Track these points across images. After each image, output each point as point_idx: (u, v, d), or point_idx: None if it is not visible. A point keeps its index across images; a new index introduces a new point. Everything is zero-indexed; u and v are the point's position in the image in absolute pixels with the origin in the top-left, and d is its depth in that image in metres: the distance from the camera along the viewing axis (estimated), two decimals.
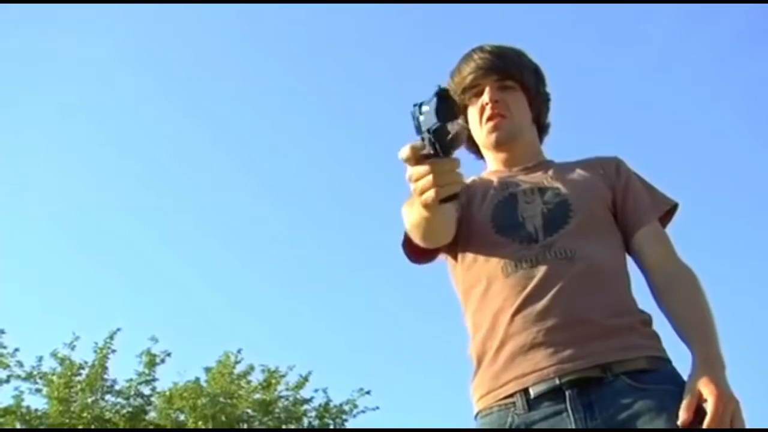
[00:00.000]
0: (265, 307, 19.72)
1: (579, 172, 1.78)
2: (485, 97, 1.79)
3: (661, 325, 1.66)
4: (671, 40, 19.25)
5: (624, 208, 1.75)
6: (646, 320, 1.64)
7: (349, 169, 21.06)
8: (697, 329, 1.58)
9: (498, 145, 1.81)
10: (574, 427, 1.47)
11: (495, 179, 1.80)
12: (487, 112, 1.79)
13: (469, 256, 1.72)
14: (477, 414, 1.63)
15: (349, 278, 20.23)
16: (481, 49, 1.83)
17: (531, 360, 1.54)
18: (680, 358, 1.60)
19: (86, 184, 20.02)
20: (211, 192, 20.41)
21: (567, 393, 1.50)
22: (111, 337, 12.87)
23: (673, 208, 1.79)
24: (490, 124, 1.79)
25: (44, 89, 18.73)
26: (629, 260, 1.74)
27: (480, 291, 1.67)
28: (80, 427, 12.27)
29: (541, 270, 1.60)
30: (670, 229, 1.80)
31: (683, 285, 1.65)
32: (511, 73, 1.80)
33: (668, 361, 1.58)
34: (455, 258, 1.77)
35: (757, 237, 19.62)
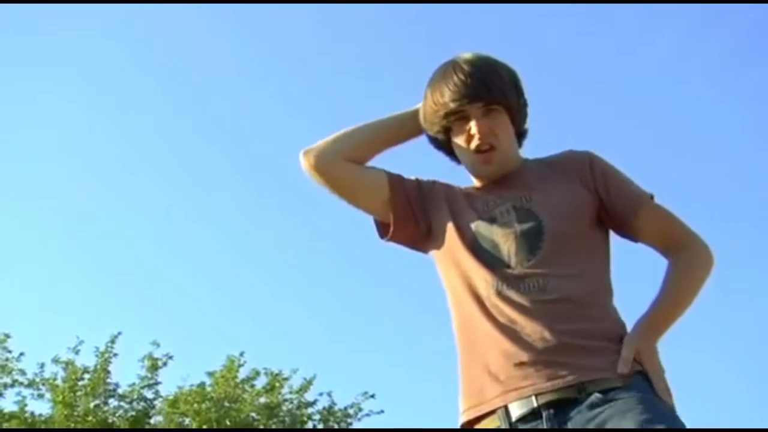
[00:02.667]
0: (268, 311, 19.73)
1: (554, 182, 1.80)
2: (473, 128, 1.77)
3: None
4: (677, 44, 19.23)
5: (612, 201, 1.78)
6: (618, 339, 1.68)
7: None
8: (667, 306, 1.75)
9: (489, 178, 1.83)
10: None
11: (479, 197, 1.83)
12: (476, 142, 1.78)
13: (446, 265, 1.80)
14: (462, 425, 1.71)
15: (353, 281, 20.24)
16: (461, 68, 1.79)
17: (511, 380, 1.62)
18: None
19: (89, 188, 20.04)
20: (214, 195, 20.44)
21: (544, 414, 1.58)
22: (112, 341, 12.90)
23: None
24: (482, 157, 1.80)
25: (50, 91, 18.74)
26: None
27: (459, 310, 1.77)
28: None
29: (516, 301, 1.66)
30: None
31: (693, 270, 1.79)
32: (495, 97, 1.78)
33: (641, 373, 1.63)
34: (435, 259, 1.86)
35: (762, 242, 19.61)
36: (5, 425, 12.32)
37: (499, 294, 1.67)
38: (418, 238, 1.87)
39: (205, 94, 20.99)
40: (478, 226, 1.76)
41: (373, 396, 13.32)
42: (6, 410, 12.41)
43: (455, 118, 1.80)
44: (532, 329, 1.63)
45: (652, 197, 1.81)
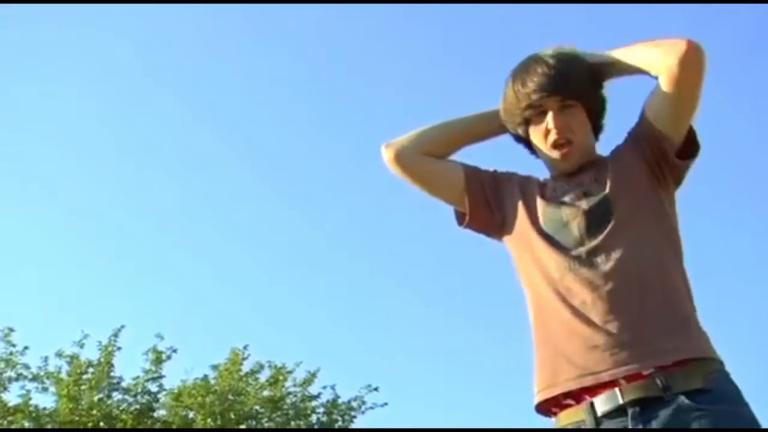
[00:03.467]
0: (272, 303, 19.75)
1: (617, 166, 1.82)
2: (550, 122, 1.82)
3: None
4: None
5: (650, 143, 1.80)
6: (694, 317, 1.70)
7: (362, 166, 21.05)
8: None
9: (566, 171, 1.87)
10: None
11: (551, 186, 1.88)
12: (553, 137, 1.83)
13: (520, 253, 1.85)
14: (536, 406, 1.75)
15: (356, 274, 20.24)
16: (543, 62, 1.84)
17: (588, 364, 1.64)
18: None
19: (93, 182, 20.05)
20: (219, 188, 20.41)
21: (629, 411, 1.59)
22: (116, 335, 12.92)
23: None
24: (558, 152, 1.84)
25: (61, 86, 18.76)
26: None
27: (533, 294, 1.80)
28: (90, 424, 12.30)
29: (588, 280, 1.69)
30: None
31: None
32: (573, 92, 1.82)
33: (723, 372, 1.65)
34: (509, 247, 1.91)
35: (763, 240, 19.61)
36: (9, 419, 12.35)
37: (571, 274, 1.71)
38: (493, 226, 1.93)
39: (213, 88, 20.98)
40: (547, 210, 1.81)
41: (376, 389, 13.35)
42: (10, 404, 12.43)
43: (534, 112, 1.84)
44: (604, 310, 1.66)
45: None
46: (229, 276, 19.77)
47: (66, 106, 19.45)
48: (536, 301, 1.79)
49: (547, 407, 1.73)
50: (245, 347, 13.46)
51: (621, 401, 1.60)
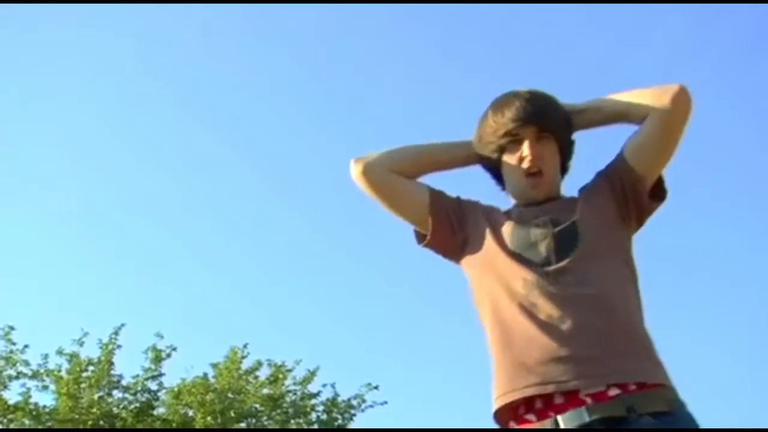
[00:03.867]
0: (272, 302, 19.76)
1: (587, 200, 1.89)
2: (525, 150, 1.88)
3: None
4: (678, 42, 19.17)
5: (621, 178, 1.87)
6: (654, 345, 1.75)
7: None
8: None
9: (533, 200, 1.91)
10: None
11: (517, 212, 1.93)
12: (527, 164, 1.89)
13: (480, 273, 1.88)
14: (494, 413, 1.75)
15: (356, 272, 20.25)
16: (522, 95, 1.91)
17: (550, 373, 1.66)
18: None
19: (93, 180, 20.06)
20: (218, 187, 20.42)
21: (596, 428, 1.61)
22: (116, 333, 12.94)
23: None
24: (531, 180, 1.90)
25: (62, 86, 18.77)
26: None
27: (492, 309, 1.81)
28: (89, 422, 12.31)
29: (555, 295, 1.72)
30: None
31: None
32: (548, 124, 1.89)
33: (683, 404, 1.69)
34: (468, 269, 1.94)
35: (764, 239, 19.61)
36: (10, 417, 12.36)
37: (538, 290, 1.74)
38: (453, 248, 1.96)
39: (213, 88, 20.98)
40: (516, 230, 1.85)
41: (376, 387, 13.35)
42: (11, 402, 12.44)
43: (510, 140, 1.90)
44: (571, 323, 1.68)
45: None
46: (228, 275, 19.80)
47: (66, 105, 19.48)
48: (495, 316, 1.79)
49: (505, 417, 1.72)
50: (245, 346, 13.50)
51: (587, 419, 1.61)
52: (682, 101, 1.80)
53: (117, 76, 19.84)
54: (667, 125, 1.81)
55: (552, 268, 1.75)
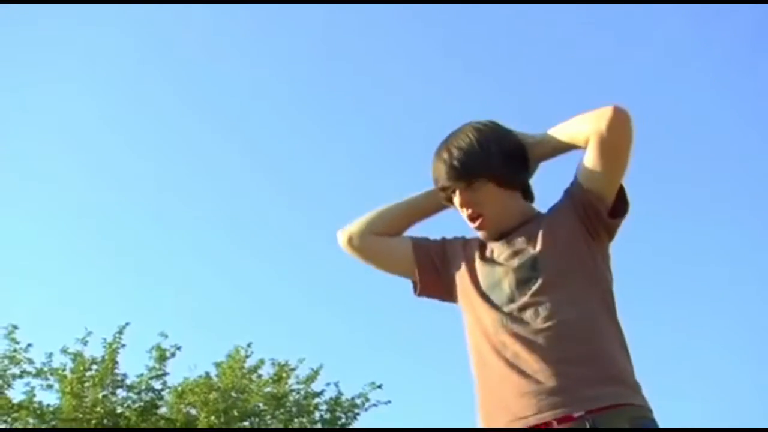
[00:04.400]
0: (275, 301, 19.77)
1: (551, 223, 1.94)
2: (457, 203, 2.00)
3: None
4: (679, 40, 19.13)
5: (583, 202, 1.91)
6: (625, 367, 1.81)
7: (365, 165, 21.04)
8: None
9: (489, 239, 2.00)
10: None
11: (490, 247, 2.00)
12: (465, 213, 2.00)
13: (465, 311, 1.99)
14: None
15: (359, 270, 20.21)
16: (441, 155, 2.00)
17: (518, 410, 1.77)
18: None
19: (96, 179, 20.08)
20: (221, 186, 20.43)
21: None
22: (120, 332, 12.95)
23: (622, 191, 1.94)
24: (474, 225, 2.00)
25: (64, 88, 18.78)
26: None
27: (474, 349, 1.93)
28: (93, 421, 12.33)
29: (518, 334, 1.82)
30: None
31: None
32: (472, 175, 1.96)
33: (650, 420, 1.76)
34: (461, 308, 2.03)
35: (764, 240, 19.59)
36: (14, 416, 12.38)
37: (504, 330, 1.85)
38: (444, 290, 2.06)
39: (214, 86, 20.98)
40: (484, 269, 1.96)
41: (380, 386, 13.35)
42: (15, 401, 12.47)
43: (448, 194, 2.03)
44: (534, 360, 1.78)
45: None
46: (232, 274, 19.81)
47: (70, 104, 19.48)
48: (477, 356, 1.92)
49: None
50: (249, 345, 13.51)
51: None
52: (617, 123, 1.84)
53: (118, 73, 19.86)
54: (607, 148, 1.85)
55: (515, 306, 1.85)
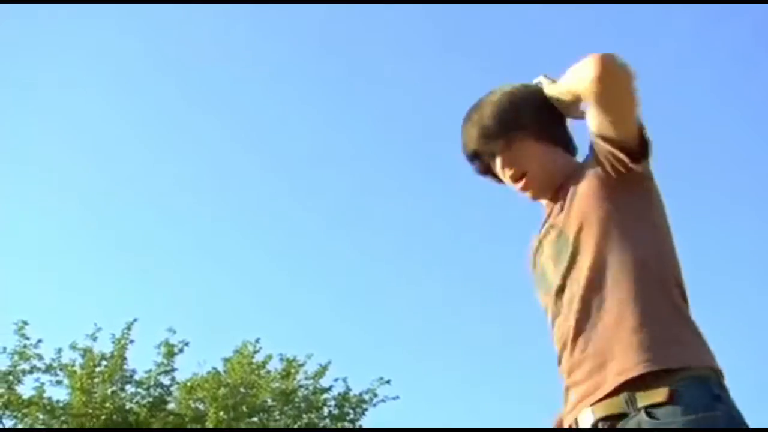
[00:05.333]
0: (283, 297, 19.80)
1: (578, 185, 1.81)
2: (498, 165, 1.91)
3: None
4: (684, 44, 19.07)
5: (598, 129, 1.75)
6: (669, 329, 1.68)
7: (375, 161, 21.04)
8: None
9: (539, 199, 1.92)
10: None
11: (545, 218, 1.90)
12: (507, 175, 1.91)
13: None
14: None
15: (368, 267, 20.25)
16: (478, 112, 1.92)
17: (573, 395, 1.73)
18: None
19: (106, 176, 20.13)
20: (231, 182, 20.47)
21: (600, 425, 1.66)
22: (128, 328, 13.00)
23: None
24: (518, 186, 1.90)
25: (77, 89, 18.84)
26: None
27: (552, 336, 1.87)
28: (103, 417, 12.37)
29: (562, 318, 1.77)
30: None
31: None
32: (513, 130, 1.87)
33: (691, 381, 1.62)
34: None
35: (765, 241, 19.53)
36: (24, 411, 12.43)
37: (554, 316, 1.80)
38: None
39: (222, 82, 20.99)
40: (538, 257, 1.88)
41: (388, 382, 13.37)
42: (24, 396, 12.52)
43: (484, 162, 1.94)
44: (575, 343, 1.72)
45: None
46: (240, 269, 19.87)
47: (83, 104, 19.54)
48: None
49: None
50: (257, 340, 13.54)
51: (593, 419, 1.66)
52: (600, 71, 1.67)
53: (128, 71, 19.89)
54: (601, 97, 1.70)
55: (554, 288, 1.79)
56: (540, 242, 1.87)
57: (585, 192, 1.79)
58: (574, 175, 1.84)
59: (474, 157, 1.94)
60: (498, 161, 1.90)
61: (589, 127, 1.78)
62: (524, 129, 1.87)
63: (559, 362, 1.78)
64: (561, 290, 1.77)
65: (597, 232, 1.74)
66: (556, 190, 1.86)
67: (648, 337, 1.65)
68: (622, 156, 1.72)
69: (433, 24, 19.78)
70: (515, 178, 1.89)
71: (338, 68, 20.66)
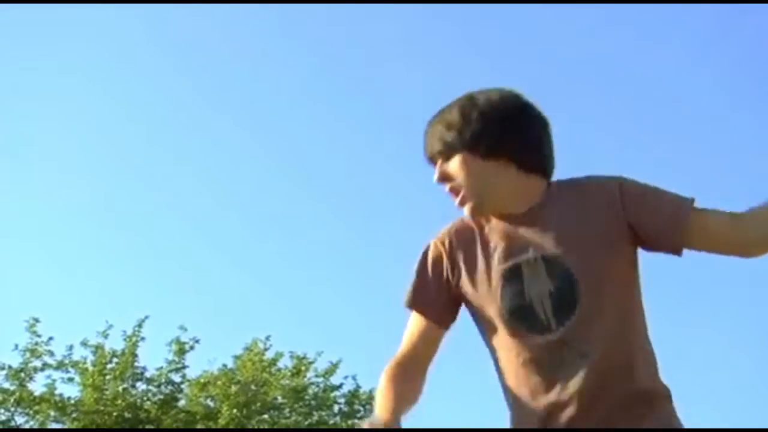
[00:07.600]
0: (294, 294, 19.82)
1: (583, 218, 1.65)
2: (434, 178, 1.70)
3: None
4: (689, 48, 18.98)
5: (646, 228, 1.62)
6: (663, 395, 1.65)
7: (386, 160, 21.02)
8: None
9: (474, 217, 1.71)
10: None
11: (494, 233, 1.69)
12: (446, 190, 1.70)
13: (488, 335, 1.72)
14: None
15: (378, 263, 20.24)
16: (430, 122, 1.72)
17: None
18: None
19: (117, 173, 20.20)
20: (242, 180, 20.48)
21: None
22: (140, 325, 13.03)
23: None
24: (455, 202, 1.69)
25: (89, 84, 18.91)
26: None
27: (507, 380, 1.69)
28: (114, 413, 12.41)
29: (562, 372, 1.61)
30: None
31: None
32: (453, 147, 1.66)
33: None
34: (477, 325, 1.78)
35: None
36: (35, 408, 12.49)
37: (544, 362, 1.62)
38: (460, 302, 1.76)
39: (233, 82, 21.03)
40: (506, 283, 1.65)
41: None
42: (36, 393, 12.58)
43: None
44: (581, 407, 1.59)
45: (692, 204, 1.62)
46: (250, 267, 19.86)
47: (94, 99, 19.61)
48: (512, 385, 1.72)
49: None
50: (267, 338, 13.56)
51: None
52: None
53: (139, 68, 19.94)
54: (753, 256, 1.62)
55: (554, 336, 1.60)
56: (518, 266, 1.64)
57: (602, 237, 1.63)
58: (566, 198, 1.68)
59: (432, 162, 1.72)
60: (436, 173, 1.70)
61: (695, 222, 1.60)
62: (463, 142, 1.66)
63: (533, 396, 1.63)
64: (564, 342, 1.60)
65: (619, 292, 1.62)
66: (531, 214, 1.66)
67: (650, 397, 1.62)
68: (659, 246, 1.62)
69: (451, 26, 19.73)
70: (451, 195, 1.68)
71: (356, 68, 20.64)
